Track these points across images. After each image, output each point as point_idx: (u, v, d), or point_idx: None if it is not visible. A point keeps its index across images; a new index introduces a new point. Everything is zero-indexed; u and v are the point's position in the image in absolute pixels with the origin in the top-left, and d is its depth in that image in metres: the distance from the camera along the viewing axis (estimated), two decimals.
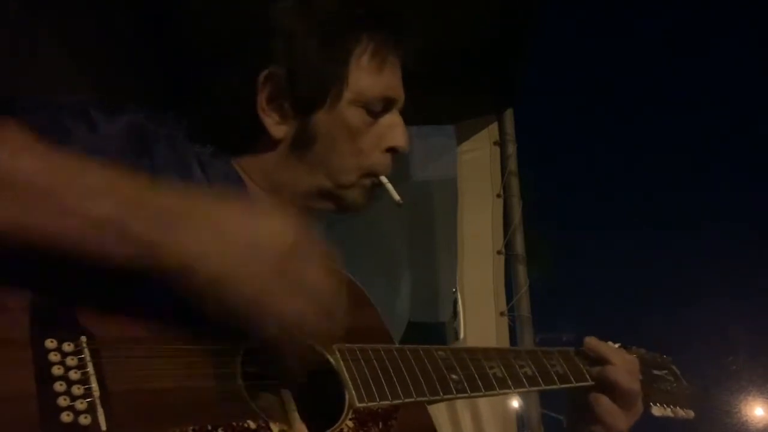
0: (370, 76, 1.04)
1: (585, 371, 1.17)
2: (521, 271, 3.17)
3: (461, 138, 3.30)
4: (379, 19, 1.05)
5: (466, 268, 3.15)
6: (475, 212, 3.19)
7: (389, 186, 1.08)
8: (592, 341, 1.20)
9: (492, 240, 3.15)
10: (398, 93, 1.08)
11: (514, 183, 3.24)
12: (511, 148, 3.26)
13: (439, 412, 2.78)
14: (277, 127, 1.02)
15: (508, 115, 3.30)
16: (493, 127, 3.28)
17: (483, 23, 2.82)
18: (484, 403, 2.88)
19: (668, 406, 1.31)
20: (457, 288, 3.22)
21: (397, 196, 1.08)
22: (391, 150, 1.07)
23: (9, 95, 0.87)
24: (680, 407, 1.33)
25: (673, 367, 1.41)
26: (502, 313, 3.06)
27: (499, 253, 3.13)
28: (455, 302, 3.29)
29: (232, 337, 0.79)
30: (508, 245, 3.15)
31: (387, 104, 1.06)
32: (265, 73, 0.99)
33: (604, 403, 1.15)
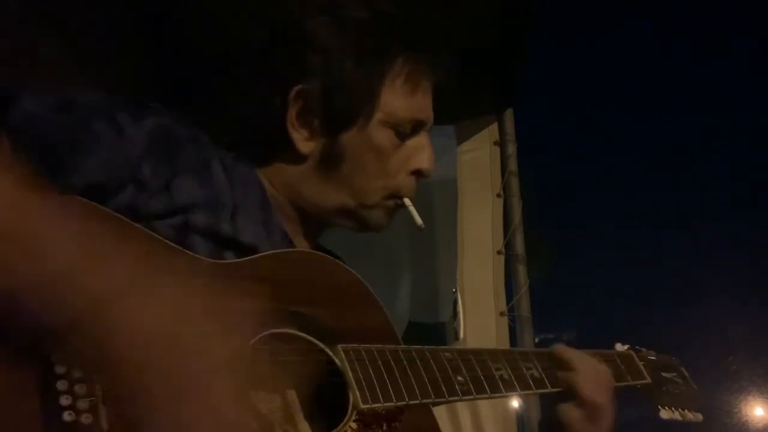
0: (403, 98, 1.03)
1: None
2: (521, 271, 3.17)
3: (461, 138, 3.30)
4: (416, 43, 1.05)
5: (466, 268, 3.15)
6: (475, 212, 3.19)
7: (412, 209, 1.09)
8: (559, 347, 1.16)
9: (492, 240, 3.14)
10: (428, 115, 1.08)
11: (514, 183, 3.24)
12: (511, 148, 3.26)
13: (439, 411, 2.78)
14: (305, 143, 1.01)
15: (508, 115, 3.30)
16: (493, 127, 3.28)
17: (483, 23, 2.82)
18: (484, 403, 2.87)
19: (677, 409, 1.31)
20: (457, 288, 3.21)
21: (419, 221, 1.09)
22: (417, 173, 1.07)
23: (33, 93, 0.84)
24: (689, 410, 1.33)
25: (682, 369, 1.40)
26: (502, 313, 3.06)
27: (499, 253, 3.13)
28: (455, 302, 3.29)
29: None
30: (508, 245, 3.15)
31: (416, 126, 1.06)
32: (298, 88, 0.98)
33: (569, 412, 1.11)
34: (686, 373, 1.40)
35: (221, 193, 0.93)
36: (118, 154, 0.84)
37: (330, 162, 1.02)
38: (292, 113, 0.99)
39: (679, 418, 1.31)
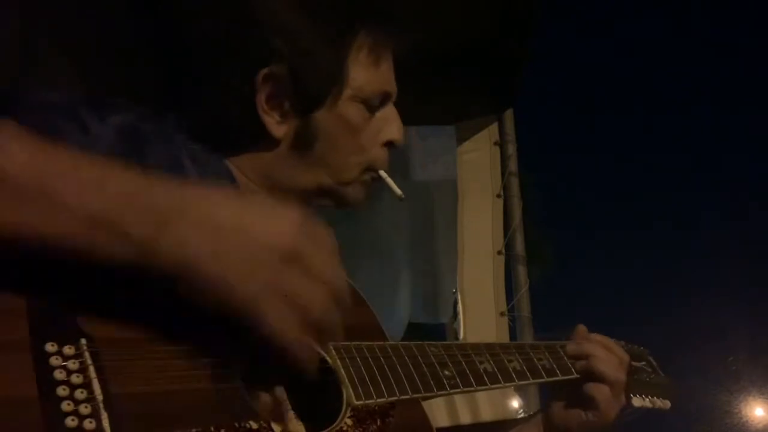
0: (368, 71, 1.03)
1: (570, 365, 1.21)
2: (521, 271, 3.17)
3: (461, 138, 3.30)
4: (376, 14, 1.05)
5: (466, 268, 3.16)
6: (475, 212, 3.19)
7: (389, 180, 1.08)
8: (571, 347, 1.24)
9: (492, 240, 3.15)
10: (393, 86, 1.08)
11: (514, 183, 3.24)
12: (511, 149, 3.27)
13: (438, 413, 2.78)
14: (277, 126, 1.01)
15: (508, 115, 3.30)
16: (493, 128, 3.28)
17: (483, 23, 2.82)
18: (484, 403, 2.88)
19: (647, 396, 1.35)
20: (457, 288, 3.22)
21: (398, 191, 1.09)
22: (389, 144, 1.07)
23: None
24: (658, 398, 1.38)
25: (650, 359, 1.44)
26: (502, 313, 3.07)
27: (499, 253, 3.13)
28: (455, 302, 3.29)
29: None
30: (508, 245, 3.15)
31: (384, 98, 1.06)
32: (264, 71, 0.98)
33: (605, 393, 1.19)
34: (654, 363, 1.44)
35: (197, 184, 0.93)
36: (80, 149, 0.84)
37: (304, 143, 1.02)
38: (261, 98, 0.99)
39: (649, 405, 1.35)
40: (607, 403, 1.20)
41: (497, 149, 3.26)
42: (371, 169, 1.06)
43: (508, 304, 3.11)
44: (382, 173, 1.07)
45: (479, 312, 3.09)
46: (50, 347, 0.69)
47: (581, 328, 1.26)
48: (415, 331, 3.40)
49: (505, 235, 3.16)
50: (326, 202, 1.07)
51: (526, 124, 3.64)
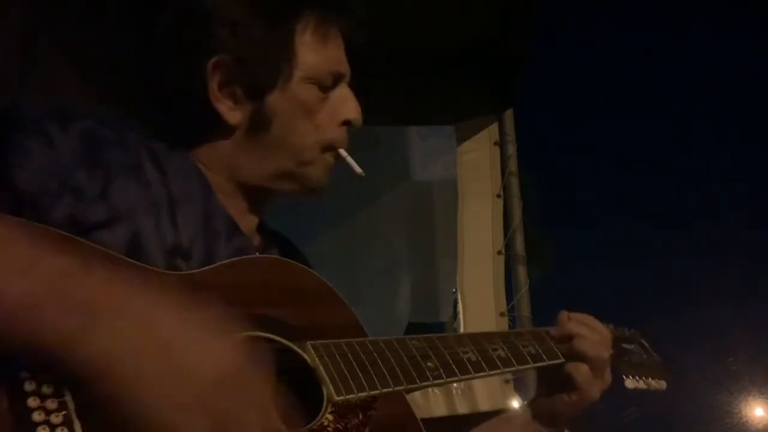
0: (316, 51, 1.04)
1: (556, 349, 1.22)
2: (521, 271, 3.17)
3: (461, 138, 3.30)
4: None
5: (466, 268, 3.15)
6: (475, 212, 3.19)
7: (349, 159, 1.08)
8: (564, 316, 1.26)
9: (492, 240, 3.15)
10: (345, 67, 1.08)
11: (514, 183, 3.24)
12: (511, 149, 3.26)
13: (435, 398, 2.79)
14: (231, 113, 1.01)
15: (508, 115, 3.30)
16: (493, 128, 3.28)
17: (483, 23, 2.82)
18: (482, 393, 2.88)
19: (641, 378, 1.35)
20: (457, 288, 3.22)
21: (358, 168, 1.09)
22: (346, 123, 1.07)
23: None
24: (653, 378, 1.38)
25: (642, 341, 1.44)
26: (502, 314, 3.06)
27: (499, 253, 3.13)
28: (455, 302, 3.29)
29: None
30: (508, 245, 3.15)
31: (336, 79, 1.07)
32: (213, 61, 0.99)
33: (583, 371, 1.20)
34: (646, 344, 1.44)
35: (154, 189, 0.92)
36: (47, 164, 0.83)
37: (260, 127, 1.03)
38: (213, 86, 1.00)
39: (643, 386, 1.35)
40: (588, 381, 1.20)
41: (497, 149, 3.26)
42: (330, 148, 1.07)
43: (508, 304, 3.11)
44: (342, 152, 1.07)
45: (479, 312, 3.09)
46: (28, 386, 0.66)
47: (563, 314, 1.27)
48: (414, 331, 3.40)
49: (505, 235, 3.16)
50: (291, 186, 1.07)
51: (526, 124, 3.64)
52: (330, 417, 0.88)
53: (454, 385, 2.85)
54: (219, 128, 1.03)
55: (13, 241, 0.68)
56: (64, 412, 0.66)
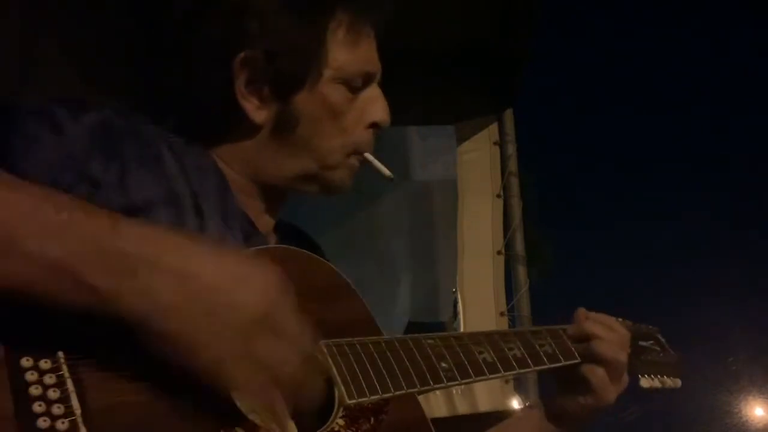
0: (348, 50, 1.00)
1: (573, 349, 1.17)
2: (521, 271, 3.17)
3: (461, 138, 3.30)
4: None
5: (466, 268, 3.15)
6: (475, 212, 3.19)
7: (376, 162, 1.05)
8: (583, 314, 1.21)
9: (492, 240, 3.15)
10: (376, 66, 1.04)
11: (514, 183, 3.24)
12: (511, 149, 3.27)
13: (435, 399, 2.79)
14: (257, 111, 0.98)
15: (508, 115, 3.30)
16: (493, 128, 3.28)
17: (483, 23, 2.82)
18: (481, 392, 2.88)
19: (656, 376, 1.31)
20: (457, 288, 3.22)
21: (386, 171, 1.06)
22: (373, 125, 1.04)
23: None
24: (668, 376, 1.34)
25: (659, 336, 1.40)
26: (502, 313, 3.07)
27: (499, 253, 3.13)
28: (455, 302, 3.29)
29: None
30: (508, 245, 3.15)
31: (367, 79, 1.03)
32: (241, 56, 0.95)
33: (600, 374, 1.16)
34: (663, 340, 1.39)
35: (177, 183, 0.90)
36: (58, 154, 0.81)
37: (285, 127, 0.99)
38: (239, 83, 0.96)
39: (658, 385, 1.31)
40: (604, 384, 1.16)
41: (497, 149, 3.26)
42: (356, 151, 1.03)
43: (508, 304, 3.11)
44: (368, 156, 1.04)
45: (479, 312, 3.09)
46: (25, 362, 0.67)
47: (580, 311, 1.22)
48: (414, 330, 3.40)
49: (505, 235, 3.16)
50: (311, 188, 1.04)
51: (526, 124, 3.64)
52: (341, 422, 0.85)
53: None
54: (243, 126, 0.99)
55: (43, 207, 0.68)
56: (62, 387, 0.67)
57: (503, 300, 3.11)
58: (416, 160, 3.58)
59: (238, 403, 0.72)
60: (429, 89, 2.99)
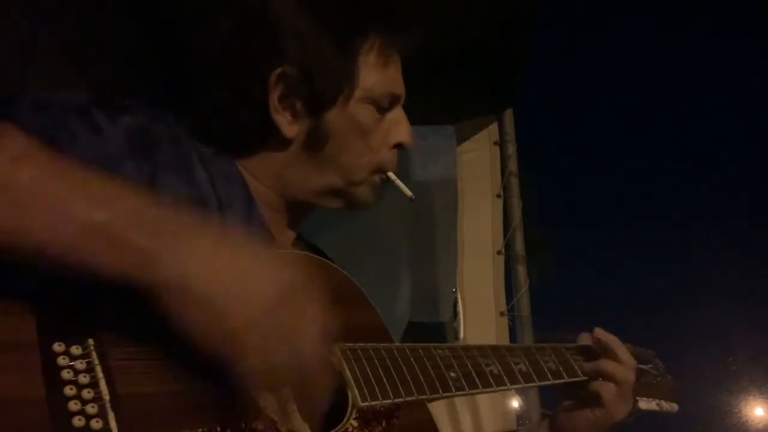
0: (377, 72, 1.04)
1: (577, 368, 1.22)
2: (521, 271, 3.17)
3: (461, 138, 3.30)
4: (384, 15, 1.06)
5: (466, 268, 3.16)
6: (475, 212, 3.20)
7: (399, 182, 1.09)
8: (600, 332, 1.26)
9: (492, 240, 3.15)
10: (402, 89, 1.09)
11: (514, 183, 3.24)
12: (511, 149, 3.27)
13: (439, 411, 2.78)
14: (289, 126, 1.01)
15: (508, 115, 3.30)
16: (493, 128, 3.28)
17: (483, 23, 2.82)
18: (484, 403, 2.88)
19: (653, 399, 1.35)
20: (457, 288, 3.22)
21: (408, 192, 1.11)
22: (398, 146, 1.08)
23: (11, 95, 0.87)
24: (665, 400, 1.38)
25: (657, 361, 1.44)
26: (502, 313, 3.07)
27: (499, 253, 3.13)
28: (455, 302, 3.29)
29: None
30: (508, 245, 3.15)
31: (393, 100, 1.07)
32: (277, 72, 0.98)
33: (612, 390, 1.21)
34: (661, 364, 1.44)
35: (204, 190, 0.93)
36: (95, 153, 0.84)
37: (315, 143, 1.02)
38: (273, 98, 0.99)
39: (656, 408, 1.35)
40: (614, 401, 1.21)
41: (497, 149, 3.26)
42: (380, 170, 1.07)
43: (508, 304, 3.11)
44: (392, 175, 1.08)
45: (479, 312, 3.09)
46: (58, 347, 0.70)
47: (598, 330, 1.27)
48: (414, 330, 3.40)
49: (505, 235, 3.16)
50: (336, 203, 1.07)
51: (526, 124, 3.64)
52: (354, 423, 0.87)
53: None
54: (273, 140, 1.02)
55: (93, 177, 0.73)
56: (92, 373, 0.70)
57: (503, 300, 3.11)
58: (416, 160, 3.58)
59: (253, 395, 0.75)
60: (429, 89, 2.99)
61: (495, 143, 3.26)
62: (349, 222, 3.59)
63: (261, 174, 1.04)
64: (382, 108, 1.05)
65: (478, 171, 3.24)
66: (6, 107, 0.83)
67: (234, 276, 0.72)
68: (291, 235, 1.10)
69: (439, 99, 3.08)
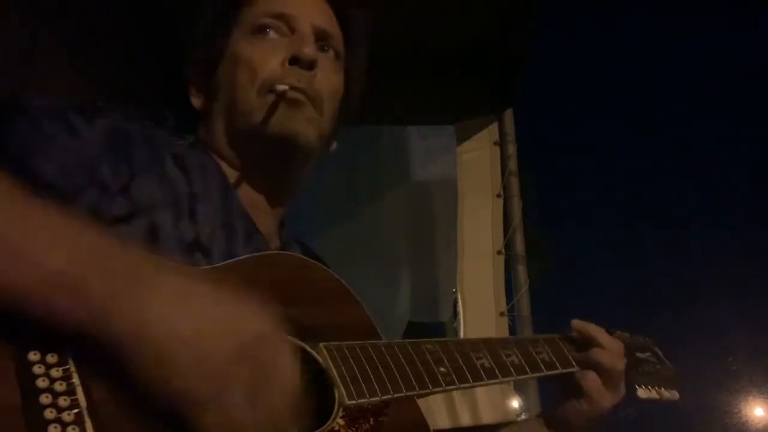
0: (249, 6, 1.08)
1: (571, 357, 1.20)
2: (521, 271, 3.17)
3: (461, 138, 3.30)
4: None
5: (466, 268, 3.15)
6: (475, 212, 3.19)
7: (292, 93, 1.02)
8: (578, 323, 1.23)
9: (492, 240, 3.15)
10: (290, 6, 1.07)
11: (514, 183, 3.24)
12: (511, 149, 3.26)
13: (436, 405, 2.79)
14: (195, 98, 1.09)
15: (508, 115, 3.30)
16: (493, 128, 3.28)
17: (483, 23, 2.82)
18: (484, 403, 2.88)
19: (653, 388, 1.33)
20: (457, 288, 3.22)
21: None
22: (294, 61, 1.03)
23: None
24: (665, 389, 1.35)
25: (656, 349, 1.42)
26: (502, 313, 3.06)
27: (499, 253, 3.13)
28: (455, 302, 3.29)
29: None
30: (508, 245, 3.15)
31: (278, 18, 1.06)
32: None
33: (591, 378, 1.18)
34: (660, 353, 1.41)
35: (177, 187, 0.93)
36: (73, 156, 0.84)
37: (214, 98, 1.07)
38: (189, 82, 1.10)
39: (656, 396, 1.32)
40: (599, 391, 1.18)
41: (497, 149, 3.26)
42: (270, 89, 1.02)
43: (508, 304, 3.10)
44: (279, 87, 1.01)
45: (479, 312, 3.09)
46: (33, 356, 0.68)
47: (576, 321, 1.24)
48: (414, 330, 3.40)
49: (505, 235, 3.16)
50: (264, 146, 1.03)
51: (526, 124, 3.64)
52: (341, 422, 0.87)
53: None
54: (203, 119, 1.09)
55: (52, 219, 0.70)
56: (69, 381, 0.68)
57: (503, 300, 3.11)
58: (416, 160, 3.58)
59: None
60: (429, 89, 2.99)
61: (495, 143, 3.26)
62: (349, 222, 3.60)
63: (219, 154, 1.06)
64: (264, 29, 1.05)
65: (478, 171, 3.24)
66: None
67: (191, 331, 0.68)
68: (273, 219, 1.08)
69: (439, 99, 3.09)
